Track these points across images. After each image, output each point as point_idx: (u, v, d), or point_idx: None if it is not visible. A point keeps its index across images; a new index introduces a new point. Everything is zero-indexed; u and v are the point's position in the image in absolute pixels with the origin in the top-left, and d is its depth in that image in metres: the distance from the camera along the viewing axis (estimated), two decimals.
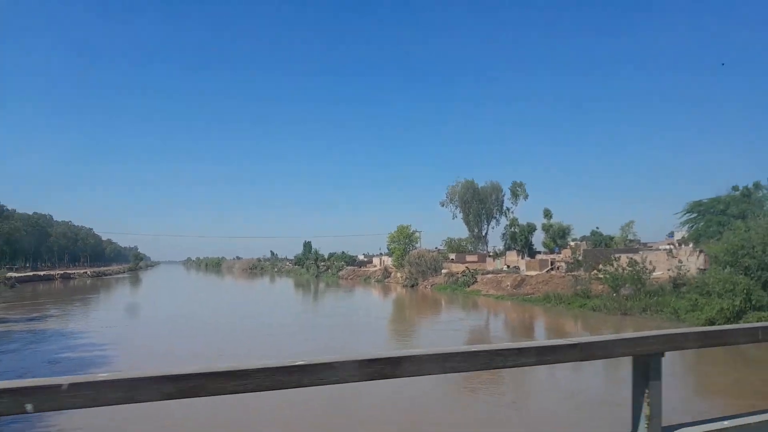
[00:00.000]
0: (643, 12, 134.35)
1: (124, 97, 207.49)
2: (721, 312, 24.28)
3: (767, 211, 30.25)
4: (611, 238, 62.42)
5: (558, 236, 59.44)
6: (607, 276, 32.97)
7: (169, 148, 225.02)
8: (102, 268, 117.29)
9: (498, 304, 41.88)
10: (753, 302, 23.81)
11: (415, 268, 61.42)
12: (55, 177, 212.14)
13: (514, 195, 66.56)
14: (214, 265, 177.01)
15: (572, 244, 64.29)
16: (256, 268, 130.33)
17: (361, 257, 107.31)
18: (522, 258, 59.64)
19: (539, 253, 61.21)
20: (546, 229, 60.08)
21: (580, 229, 65.48)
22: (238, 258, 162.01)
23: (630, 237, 64.04)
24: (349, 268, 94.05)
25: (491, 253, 65.55)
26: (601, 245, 60.94)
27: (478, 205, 68.12)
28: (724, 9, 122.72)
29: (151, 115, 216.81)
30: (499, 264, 62.24)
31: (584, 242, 61.79)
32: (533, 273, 48.62)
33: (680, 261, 33.06)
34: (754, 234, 25.28)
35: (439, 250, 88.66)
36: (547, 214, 60.14)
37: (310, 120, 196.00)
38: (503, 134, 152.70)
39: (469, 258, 72.66)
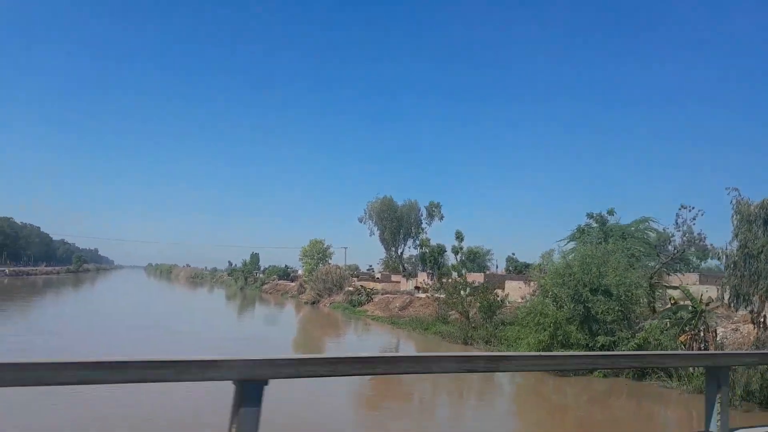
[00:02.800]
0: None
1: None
2: (530, 347, 22.37)
3: (608, 241, 28.46)
4: (526, 265, 60.72)
5: (468, 260, 57.35)
6: (456, 302, 31.08)
7: (145, 152, 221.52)
8: (27, 268, 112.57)
9: (370, 324, 39.75)
10: (558, 338, 21.86)
11: (321, 284, 59.03)
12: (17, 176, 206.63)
13: (430, 215, 64.62)
14: (166, 272, 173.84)
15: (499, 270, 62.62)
16: (197, 277, 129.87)
17: (300, 271, 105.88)
18: (431, 279, 57.56)
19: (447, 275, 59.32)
20: (455, 251, 58.03)
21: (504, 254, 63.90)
22: (188, 266, 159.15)
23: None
24: (280, 282, 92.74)
25: (404, 274, 63.61)
26: (514, 272, 59.39)
27: (394, 223, 65.96)
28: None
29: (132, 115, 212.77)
30: (411, 285, 60.22)
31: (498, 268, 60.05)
32: (422, 295, 46.62)
33: (534, 291, 31.16)
34: (575, 263, 23.45)
35: (370, 268, 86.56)
36: (459, 236, 58.04)
37: (278, 128, 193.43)
38: (448, 158, 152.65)
39: (394, 278, 70.94)
